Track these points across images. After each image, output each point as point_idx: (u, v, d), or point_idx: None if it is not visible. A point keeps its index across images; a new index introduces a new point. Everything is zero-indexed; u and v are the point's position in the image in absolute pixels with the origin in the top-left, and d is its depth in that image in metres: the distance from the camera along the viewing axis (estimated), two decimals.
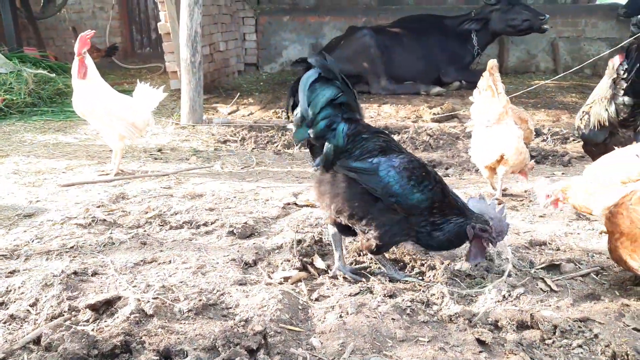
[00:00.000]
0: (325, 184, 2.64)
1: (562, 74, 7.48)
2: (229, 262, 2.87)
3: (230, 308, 2.42)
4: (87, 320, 2.31)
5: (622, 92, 3.77)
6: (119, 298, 2.43)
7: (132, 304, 2.34)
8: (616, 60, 3.96)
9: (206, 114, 6.85)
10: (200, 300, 2.41)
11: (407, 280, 2.71)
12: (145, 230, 3.31)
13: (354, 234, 2.75)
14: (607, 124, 3.93)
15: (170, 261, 2.87)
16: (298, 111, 2.60)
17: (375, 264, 2.87)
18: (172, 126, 6.39)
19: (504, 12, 8.17)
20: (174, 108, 7.11)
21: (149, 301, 2.36)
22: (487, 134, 3.81)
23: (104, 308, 2.38)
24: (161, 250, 3.01)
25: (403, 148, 2.73)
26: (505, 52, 10.00)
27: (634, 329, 2.29)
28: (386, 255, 2.84)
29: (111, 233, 3.25)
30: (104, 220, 3.45)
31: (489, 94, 3.79)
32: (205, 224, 3.42)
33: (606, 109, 3.92)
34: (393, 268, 2.81)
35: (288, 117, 2.66)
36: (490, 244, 2.59)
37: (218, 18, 8.85)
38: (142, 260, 2.87)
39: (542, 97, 7.89)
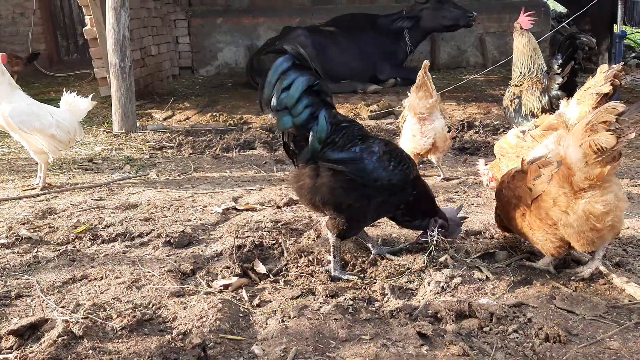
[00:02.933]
0: (306, 178, 2.63)
1: (490, 68, 7.77)
2: (165, 273, 2.76)
3: (168, 322, 2.33)
4: (11, 348, 2.15)
5: (556, 86, 3.97)
6: (46, 321, 2.29)
7: (59, 326, 2.20)
8: (522, 20, 4.23)
9: (140, 120, 6.61)
10: (134, 316, 2.30)
11: (348, 279, 2.71)
12: (74, 246, 3.14)
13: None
14: (539, 113, 4.12)
15: (102, 277, 2.73)
16: (275, 100, 2.47)
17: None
18: (104, 135, 6.12)
19: (434, 10, 8.37)
20: (105, 116, 6.81)
21: (78, 322, 2.22)
22: (419, 125, 4.16)
23: (29, 333, 2.23)
24: (92, 266, 2.86)
25: (373, 135, 2.91)
26: (436, 48, 10.27)
27: (565, 310, 2.39)
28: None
29: (37, 251, 3.06)
30: (29, 238, 3.25)
31: (424, 91, 4.08)
32: (140, 235, 3.29)
33: (539, 100, 4.10)
34: (339, 264, 2.80)
35: (262, 110, 2.57)
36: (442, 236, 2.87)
37: (148, 21, 8.57)
38: (71, 279, 2.72)
39: (473, 91, 8.17)
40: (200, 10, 10.17)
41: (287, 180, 4.38)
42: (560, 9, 12.66)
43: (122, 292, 2.57)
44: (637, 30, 12.63)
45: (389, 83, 8.55)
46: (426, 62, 4.17)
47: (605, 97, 3.16)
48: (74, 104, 4.34)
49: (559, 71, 3.95)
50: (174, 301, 2.49)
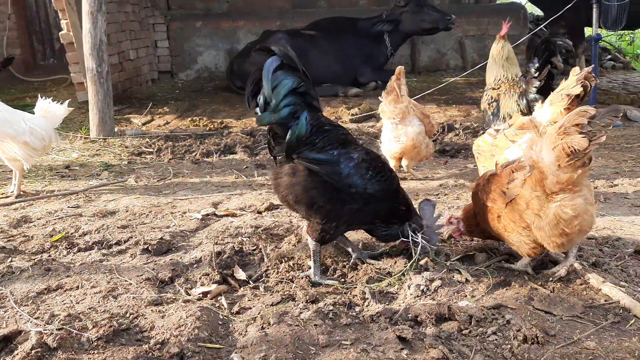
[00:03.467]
0: (284, 175, 2.67)
1: (469, 71, 7.85)
2: (143, 281, 2.72)
3: (145, 331, 2.29)
4: None
5: (534, 89, 4.02)
6: (19, 332, 2.23)
7: (33, 337, 2.15)
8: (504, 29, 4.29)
9: (118, 126, 6.53)
10: (111, 326, 2.26)
11: (328, 284, 2.70)
12: (50, 255, 3.08)
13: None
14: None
15: (78, 287, 2.68)
16: (261, 96, 2.57)
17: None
18: (81, 141, 6.04)
19: (414, 13, 8.42)
20: (82, 121, 6.72)
21: (52, 333, 2.17)
22: (393, 129, 4.28)
23: (2, 345, 2.17)
24: (68, 276, 2.80)
25: (359, 142, 2.90)
26: (417, 52, 10.35)
27: (542, 310, 2.41)
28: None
29: (11, 261, 2.99)
30: (3, 247, 3.18)
31: (393, 96, 4.15)
32: (117, 243, 3.24)
33: (517, 104, 4.15)
34: (319, 269, 2.78)
35: (249, 105, 2.65)
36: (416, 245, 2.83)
37: (126, 25, 8.48)
38: (45, 289, 2.66)
39: (453, 94, 8.24)
40: (180, 14, 10.10)
41: (268, 185, 4.36)
42: (538, 12, 12.85)
43: (99, 302, 2.52)
44: (612, 32, 12.89)
45: (370, 86, 8.59)
46: (400, 68, 4.18)
47: (577, 99, 3.22)
48: (49, 110, 4.26)
49: (536, 75, 4.00)
50: (152, 310, 2.45)
